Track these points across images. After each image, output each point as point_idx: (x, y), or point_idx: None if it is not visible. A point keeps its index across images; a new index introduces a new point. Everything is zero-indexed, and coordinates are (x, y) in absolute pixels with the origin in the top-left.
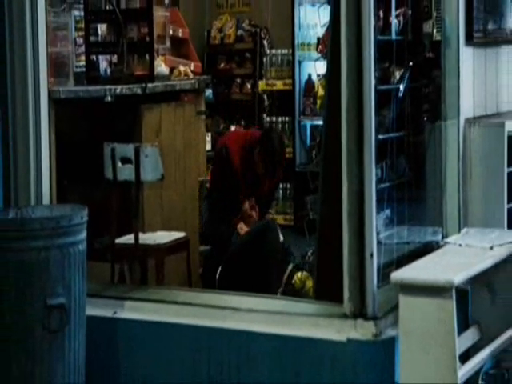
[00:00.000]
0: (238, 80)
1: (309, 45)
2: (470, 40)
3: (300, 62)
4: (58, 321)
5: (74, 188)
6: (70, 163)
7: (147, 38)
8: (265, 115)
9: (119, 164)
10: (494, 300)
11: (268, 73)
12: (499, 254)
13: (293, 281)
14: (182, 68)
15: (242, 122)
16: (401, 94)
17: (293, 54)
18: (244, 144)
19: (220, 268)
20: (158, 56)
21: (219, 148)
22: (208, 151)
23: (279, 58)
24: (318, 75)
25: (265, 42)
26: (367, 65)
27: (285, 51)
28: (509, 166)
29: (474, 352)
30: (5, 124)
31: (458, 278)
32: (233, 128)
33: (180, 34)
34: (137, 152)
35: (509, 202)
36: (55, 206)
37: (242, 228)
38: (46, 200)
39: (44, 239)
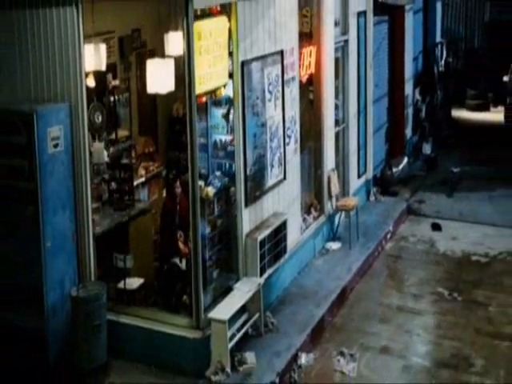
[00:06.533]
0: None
1: None
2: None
3: None
4: (98, 330)
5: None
6: (100, 261)
7: (130, 188)
8: None
9: (119, 262)
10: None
11: None
12: (249, 294)
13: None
14: (151, 168)
15: None
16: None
17: None
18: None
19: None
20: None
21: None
22: None
23: None
24: None
25: None
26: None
27: None
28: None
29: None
30: (78, 248)
31: (227, 316)
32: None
33: (150, 150)
34: (125, 258)
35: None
36: (95, 282)
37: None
38: (92, 275)
39: (93, 302)
